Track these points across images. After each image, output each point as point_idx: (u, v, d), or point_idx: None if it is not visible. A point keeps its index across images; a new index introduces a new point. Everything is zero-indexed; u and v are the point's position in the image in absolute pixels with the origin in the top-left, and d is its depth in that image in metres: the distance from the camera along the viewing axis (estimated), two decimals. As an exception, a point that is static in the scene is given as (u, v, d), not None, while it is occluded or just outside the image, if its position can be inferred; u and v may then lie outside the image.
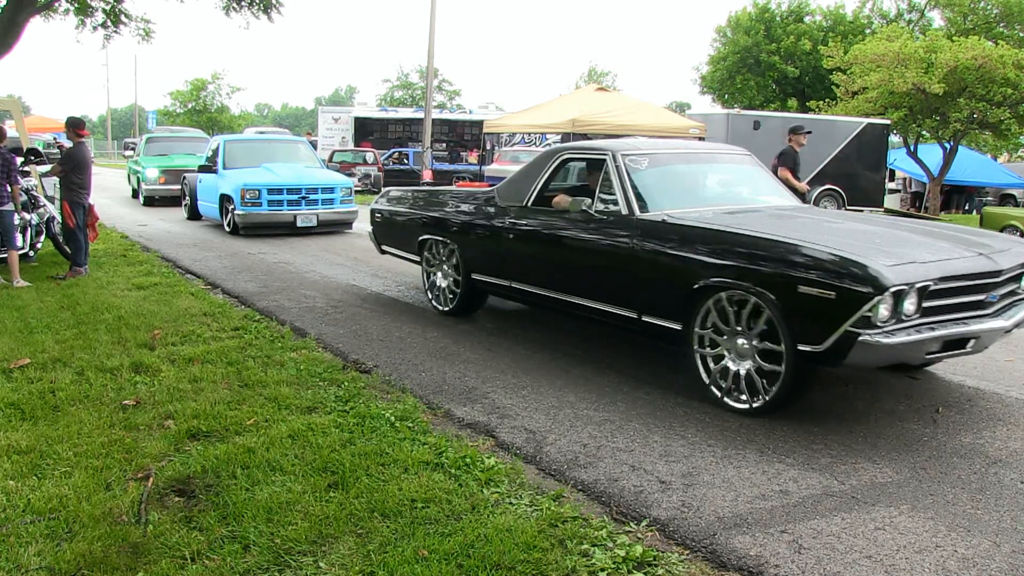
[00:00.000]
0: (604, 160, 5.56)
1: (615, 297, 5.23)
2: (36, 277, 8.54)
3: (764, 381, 4.45)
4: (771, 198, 5.97)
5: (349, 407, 4.55)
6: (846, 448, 4.12)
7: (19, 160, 8.88)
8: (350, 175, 18.03)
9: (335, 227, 13.59)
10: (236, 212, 12.69)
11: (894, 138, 24.35)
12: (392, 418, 4.34)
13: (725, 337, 4.63)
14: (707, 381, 4.74)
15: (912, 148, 22.96)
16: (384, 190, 8.24)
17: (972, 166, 23.89)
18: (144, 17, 14.48)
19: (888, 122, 21.12)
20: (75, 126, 8.89)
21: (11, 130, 12.38)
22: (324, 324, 6.80)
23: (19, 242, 8.51)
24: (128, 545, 3.00)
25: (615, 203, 5.33)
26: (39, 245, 9.78)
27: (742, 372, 4.57)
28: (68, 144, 9.25)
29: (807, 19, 38.33)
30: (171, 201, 17.53)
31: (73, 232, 8.71)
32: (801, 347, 4.17)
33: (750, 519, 3.34)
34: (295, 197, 12.93)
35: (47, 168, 10.17)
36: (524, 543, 3.04)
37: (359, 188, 20.58)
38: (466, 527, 3.16)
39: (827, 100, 25.90)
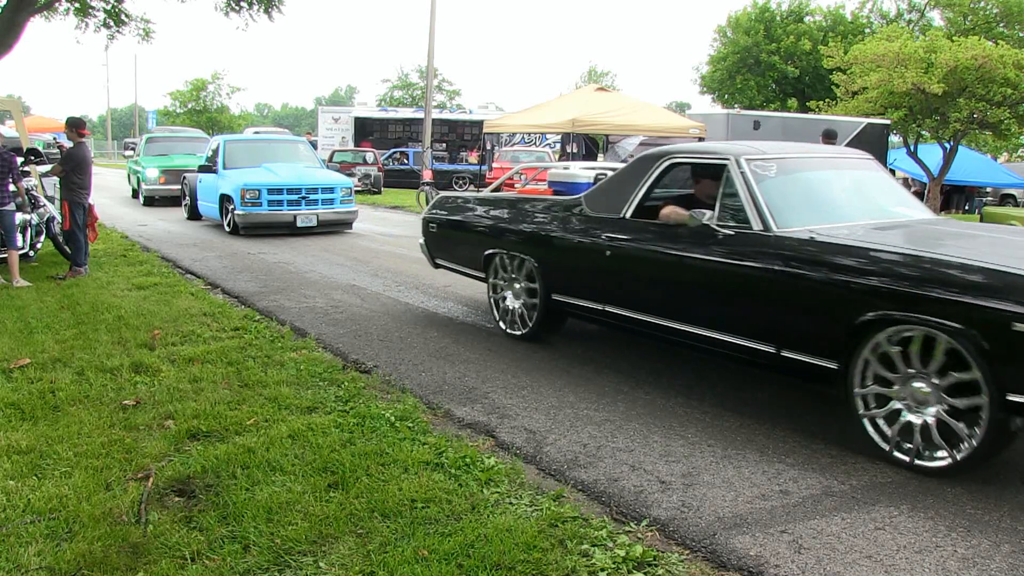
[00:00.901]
0: (724, 166, 4.74)
1: (746, 328, 4.44)
2: (36, 277, 8.54)
3: (961, 425, 3.66)
4: (909, 209, 5.14)
5: (349, 407, 4.55)
6: (846, 448, 4.12)
7: (19, 160, 8.87)
8: (350, 175, 18.04)
9: (335, 227, 13.59)
10: (236, 212, 12.70)
11: (894, 138, 24.36)
12: (392, 418, 4.34)
13: (897, 382, 3.85)
14: (876, 436, 3.95)
15: (912, 148, 22.95)
16: (439, 196, 7.40)
17: (972, 166, 23.89)
18: (144, 17, 14.47)
19: (888, 122, 21.11)
20: (75, 126, 8.89)
21: (11, 130, 12.40)
22: (324, 324, 6.80)
23: (19, 242, 8.51)
24: (128, 545, 3.00)
25: (742, 216, 4.52)
26: (39, 245, 9.79)
27: (927, 422, 3.76)
28: (68, 144, 9.26)
29: (807, 19, 38.35)
30: (171, 201, 17.54)
31: (73, 232, 8.71)
32: (1013, 397, 3.44)
33: (750, 519, 3.34)
34: (295, 197, 12.94)
35: (47, 168, 10.17)
36: (524, 543, 3.04)
37: (359, 188, 20.58)
38: (466, 527, 3.16)
39: (827, 100, 25.88)
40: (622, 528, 3.27)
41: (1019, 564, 3.00)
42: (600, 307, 5.40)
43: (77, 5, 12.42)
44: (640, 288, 5.19)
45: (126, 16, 12.98)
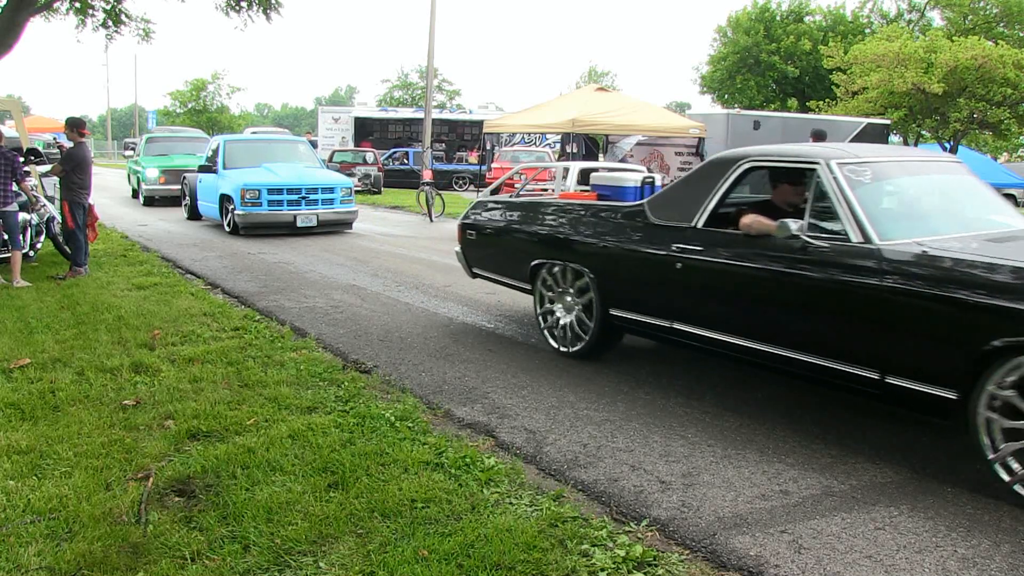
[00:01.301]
0: (812, 170, 4.31)
1: (844, 351, 4.01)
2: (36, 277, 8.54)
3: None
4: (1009, 218, 4.68)
5: (349, 407, 4.55)
6: (846, 448, 4.12)
7: (20, 160, 8.87)
8: (350, 175, 18.04)
9: (335, 227, 13.59)
10: (236, 212, 12.70)
11: (894, 138, 24.35)
12: (392, 418, 4.34)
13: None
14: (1006, 476, 3.50)
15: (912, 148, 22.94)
16: (478, 200, 6.92)
17: (972, 166, 23.81)
18: (144, 17, 14.48)
19: (888, 122, 21.13)
20: (75, 126, 8.90)
21: (11, 130, 12.39)
22: (324, 324, 6.80)
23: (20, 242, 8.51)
24: (128, 545, 3.00)
25: (837, 227, 4.10)
26: (39, 245, 9.79)
27: None
28: (68, 144, 9.26)
29: (807, 19, 38.35)
30: (171, 201, 17.54)
31: (73, 232, 8.71)
32: None
33: (750, 519, 3.34)
34: (295, 197, 12.94)
35: (47, 168, 10.17)
36: (524, 543, 3.04)
37: (359, 188, 20.59)
38: (466, 527, 3.16)
39: (827, 100, 25.91)
40: (622, 528, 3.27)
41: (1019, 564, 3.01)
42: (667, 324, 4.91)
43: (77, 5, 12.42)
44: (717, 305, 4.71)
45: (126, 16, 12.98)
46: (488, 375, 5.37)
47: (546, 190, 13.39)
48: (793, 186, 4.73)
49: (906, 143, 23.56)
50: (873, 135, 20.21)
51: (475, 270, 6.81)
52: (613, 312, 5.36)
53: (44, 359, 5.38)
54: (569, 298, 5.75)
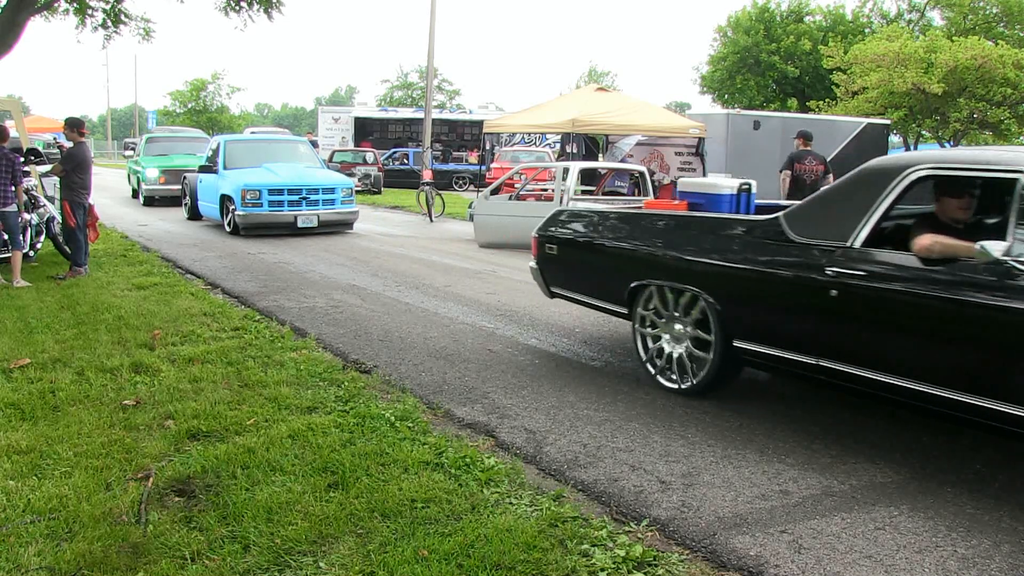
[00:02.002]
0: (1012, 181, 3.56)
1: None
2: (36, 277, 8.54)
3: None
4: None
5: (349, 407, 4.55)
6: (846, 448, 4.12)
7: (20, 160, 8.87)
8: (350, 175, 18.04)
9: (336, 227, 13.58)
10: (237, 212, 12.70)
11: (894, 138, 24.36)
12: (392, 418, 4.34)
13: None
14: None
15: (912, 148, 22.96)
16: (558, 209, 6.15)
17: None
18: (144, 17, 14.49)
19: (888, 122, 21.14)
20: (75, 126, 8.91)
21: (11, 130, 12.38)
22: (324, 324, 6.80)
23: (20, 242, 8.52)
24: (128, 545, 3.00)
25: None
26: (39, 245, 9.79)
27: None
28: (68, 144, 9.26)
29: (807, 19, 38.35)
30: (171, 201, 17.54)
31: (73, 232, 8.72)
32: None
33: (750, 519, 3.34)
34: (295, 197, 12.93)
35: (47, 168, 10.17)
36: (524, 543, 3.04)
37: (359, 188, 20.58)
38: (466, 527, 3.16)
39: (827, 100, 25.92)
40: (622, 528, 3.27)
41: (1019, 564, 3.01)
42: (811, 361, 4.14)
43: (76, 5, 12.42)
44: (886, 342, 3.92)
45: (125, 16, 12.99)
46: (488, 375, 5.37)
47: (546, 190, 13.43)
48: (967, 199, 4.07)
49: (906, 143, 23.58)
50: (873, 135, 20.22)
51: (554, 289, 6.03)
52: (738, 344, 4.56)
53: (44, 359, 5.38)
54: (679, 326, 4.95)
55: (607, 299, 5.53)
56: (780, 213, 4.47)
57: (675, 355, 4.99)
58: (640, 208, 6.16)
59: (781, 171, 10.65)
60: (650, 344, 5.18)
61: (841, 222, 4.14)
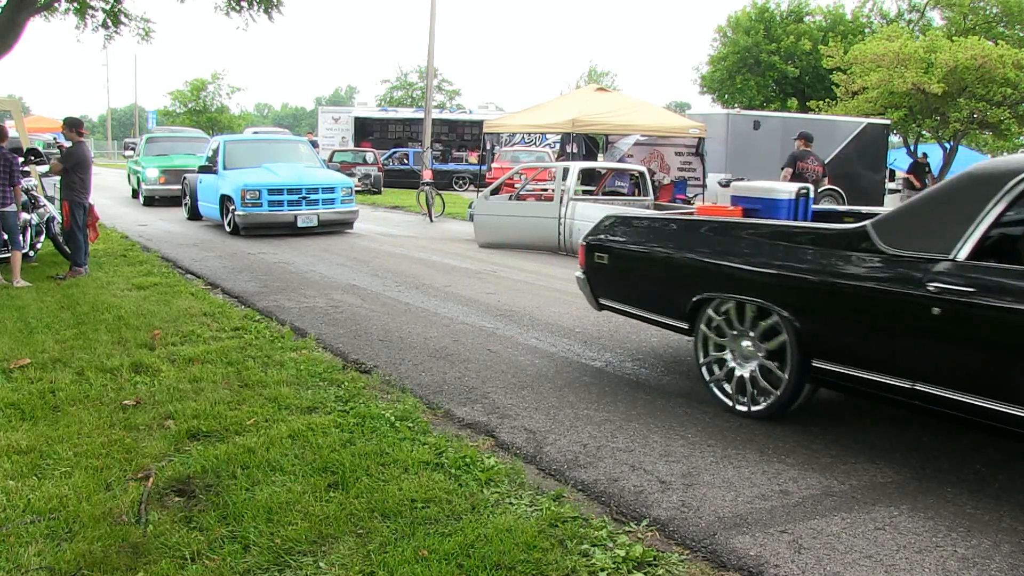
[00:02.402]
0: None
1: None
2: (36, 277, 8.54)
3: None
4: None
5: (349, 407, 4.55)
6: (846, 448, 4.12)
7: (19, 160, 8.87)
8: (350, 175, 18.04)
9: (336, 227, 13.57)
10: (237, 212, 12.68)
11: (894, 138, 24.36)
12: (392, 418, 4.34)
13: None
14: None
15: (912, 148, 22.97)
16: (607, 215, 5.71)
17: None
18: (144, 17, 14.47)
19: (888, 122, 21.13)
20: (74, 126, 8.92)
21: (11, 130, 12.38)
22: (324, 324, 6.80)
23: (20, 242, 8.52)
24: (128, 545, 3.00)
25: None
26: (39, 245, 9.79)
27: None
28: (68, 144, 9.26)
29: (807, 19, 38.35)
30: (171, 201, 17.54)
31: (73, 232, 8.72)
32: None
33: (750, 519, 3.34)
34: (295, 197, 12.91)
35: (47, 168, 10.17)
36: (524, 543, 3.04)
37: (359, 188, 20.58)
38: (466, 527, 3.16)
39: (827, 100, 25.92)
40: (622, 528, 3.27)
41: (1019, 564, 3.01)
42: (906, 385, 3.79)
43: (76, 5, 12.42)
44: (999, 365, 3.57)
45: (125, 16, 12.99)
46: (488, 375, 5.37)
47: (546, 190, 13.43)
48: None
49: (906, 143, 23.58)
50: (873, 135, 20.22)
51: (603, 301, 5.63)
52: (818, 364, 4.19)
53: (44, 359, 5.38)
54: (748, 343, 4.59)
55: (664, 313, 5.12)
56: (868, 222, 4.07)
57: (743, 375, 4.60)
58: (693, 214, 5.78)
59: (783, 168, 10.75)
60: (713, 363, 4.80)
61: (942, 233, 3.77)
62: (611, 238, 5.49)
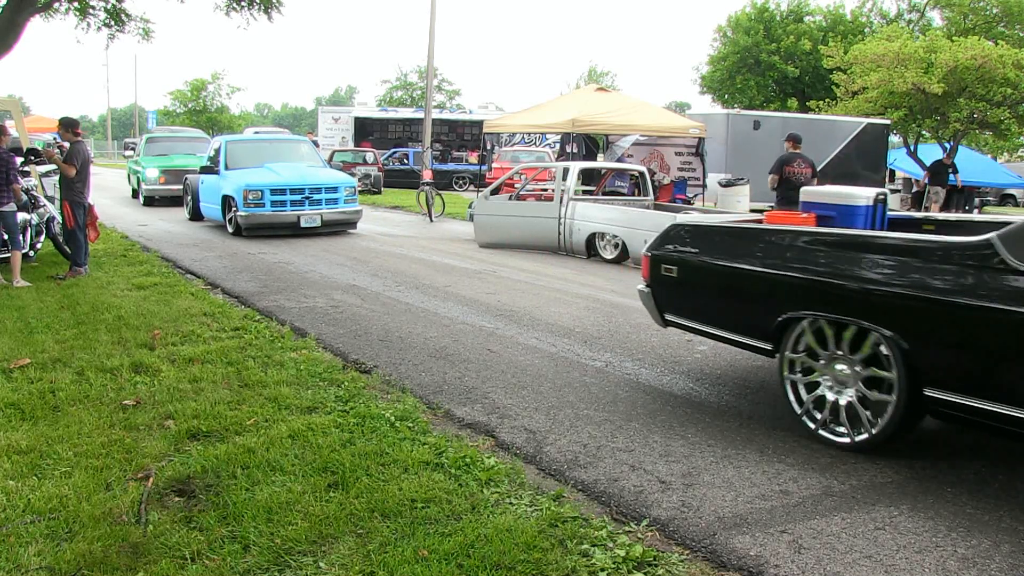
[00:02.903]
0: None
1: None
2: (36, 277, 8.54)
3: None
4: None
5: (349, 407, 4.55)
6: (846, 448, 4.11)
7: (19, 160, 8.87)
8: (350, 175, 18.02)
9: (339, 227, 13.47)
10: (239, 213, 12.60)
11: (894, 138, 24.36)
12: (392, 418, 4.34)
13: None
14: None
15: (912, 148, 22.96)
16: (675, 223, 5.25)
17: (972, 166, 23.94)
18: (144, 16, 14.46)
19: (888, 122, 21.13)
20: (71, 126, 8.92)
21: (11, 131, 12.39)
22: (324, 324, 6.80)
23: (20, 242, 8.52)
24: (128, 545, 3.00)
25: None
26: (39, 245, 9.79)
27: None
28: (66, 145, 9.25)
29: (807, 19, 38.34)
30: (171, 201, 17.54)
31: (73, 232, 8.72)
32: None
33: (750, 519, 3.34)
34: (298, 197, 12.81)
35: (47, 168, 10.16)
36: (524, 543, 3.04)
37: (359, 188, 20.56)
38: (466, 527, 3.16)
39: (827, 100, 25.91)
40: (622, 528, 3.27)
41: (1019, 564, 3.01)
42: None
43: (77, 5, 12.43)
44: None
45: (126, 16, 12.98)
46: (488, 375, 5.37)
47: (546, 190, 13.43)
48: None
49: (906, 143, 23.56)
50: (873, 135, 20.22)
51: (669, 317, 5.15)
52: (931, 393, 3.75)
53: (44, 359, 5.38)
54: (844, 366, 4.13)
55: (744, 332, 4.67)
56: (992, 234, 3.61)
57: (840, 402, 4.14)
58: (762, 222, 5.37)
59: (770, 174, 10.76)
60: (803, 390, 4.33)
61: None
62: (681, 249, 5.01)
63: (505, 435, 4.26)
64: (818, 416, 4.23)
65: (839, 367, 4.16)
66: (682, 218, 6.12)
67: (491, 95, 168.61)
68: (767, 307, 4.42)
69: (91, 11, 12.64)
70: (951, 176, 19.33)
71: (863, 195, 5.36)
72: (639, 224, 10.50)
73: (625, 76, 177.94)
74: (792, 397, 4.38)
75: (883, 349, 3.89)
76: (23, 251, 8.73)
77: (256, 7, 12.66)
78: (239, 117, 55.58)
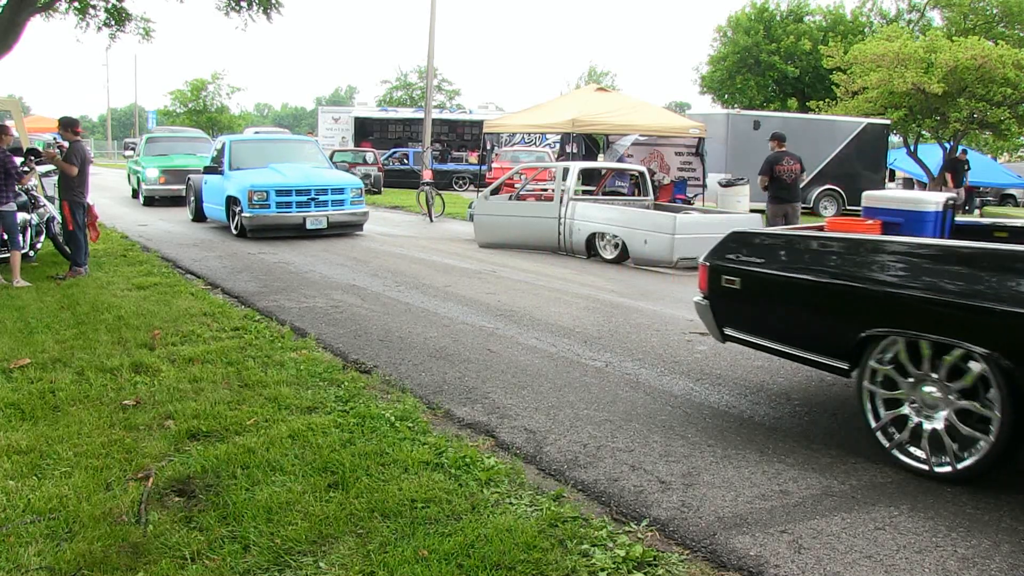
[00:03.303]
0: None
1: None
2: (36, 277, 8.54)
3: None
4: None
5: (349, 407, 4.55)
6: (846, 448, 4.12)
7: (19, 160, 8.87)
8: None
9: (345, 229, 13.22)
10: (244, 214, 12.41)
11: (894, 138, 24.36)
12: (392, 418, 4.34)
13: None
14: None
15: (912, 148, 22.96)
16: (733, 232, 4.87)
17: (972, 166, 23.95)
18: (144, 16, 14.46)
19: (888, 122, 21.13)
20: (70, 125, 8.93)
21: (12, 131, 12.39)
22: (324, 324, 6.80)
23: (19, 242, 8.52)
24: (128, 545, 3.00)
25: None
26: (39, 245, 9.79)
27: None
28: (67, 144, 9.26)
29: (807, 19, 38.33)
30: (171, 201, 17.54)
31: (73, 232, 8.72)
32: None
33: (750, 519, 3.34)
34: (304, 198, 12.60)
35: (47, 168, 10.16)
36: (524, 543, 3.04)
37: (359, 188, 20.53)
38: (466, 527, 3.16)
39: (827, 100, 25.90)
40: (622, 528, 3.27)
41: (1019, 564, 3.01)
42: None
43: (77, 4, 12.43)
44: None
45: (126, 15, 12.98)
46: (488, 375, 5.37)
47: (546, 190, 13.43)
48: None
49: (906, 143, 23.56)
50: (873, 135, 20.22)
51: (730, 332, 4.79)
52: None
53: (44, 359, 5.38)
54: (934, 389, 3.79)
55: (816, 349, 4.31)
56: None
57: (925, 427, 3.81)
58: (825, 230, 5.06)
59: (760, 175, 10.88)
60: (881, 409, 4.01)
61: None
62: (744, 258, 4.63)
63: (505, 435, 4.26)
64: (895, 435, 3.92)
65: (928, 389, 3.82)
66: (743, 225, 5.69)
67: (491, 95, 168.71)
68: (844, 323, 4.09)
69: (91, 11, 12.65)
70: (964, 176, 19.33)
71: (932, 200, 5.05)
72: (639, 224, 10.50)
73: (625, 76, 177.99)
74: (869, 409, 4.05)
75: (985, 372, 3.54)
76: (23, 251, 8.74)
77: (256, 7, 12.66)
78: (239, 117, 55.57)
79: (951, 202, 4.98)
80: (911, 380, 3.87)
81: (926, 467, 3.77)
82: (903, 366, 3.89)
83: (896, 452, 3.90)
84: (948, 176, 19.35)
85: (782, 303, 4.53)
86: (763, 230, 5.02)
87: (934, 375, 3.77)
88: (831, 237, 4.46)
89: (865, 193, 5.68)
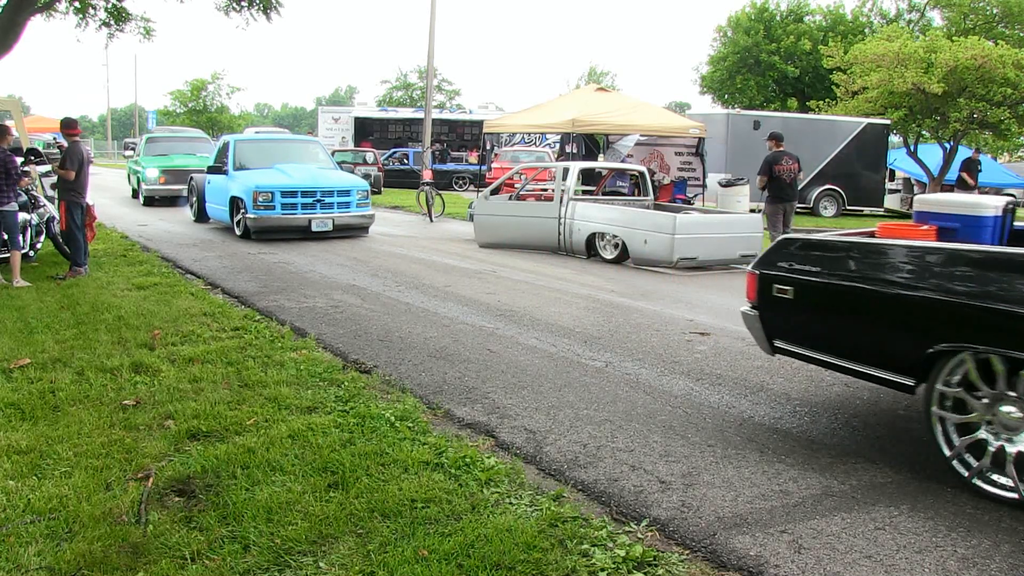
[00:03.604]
0: None
1: None
2: (36, 277, 8.54)
3: None
4: None
5: (349, 407, 4.55)
6: (846, 448, 4.12)
7: (19, 160, 8.88)
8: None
9: (351, 231, 13.06)
10: (248, 215, 12.25)
11: (894, 138, 24.35)
12: (392, 418, 4.34)
13: None
14: None
15: (912, 148, 22.95)
16: (785, 238, 4.63)
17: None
18: (144, 16, 14.45)
19: (888, 122, 21.13)
20: (70, 125, 8.96)
21: (13, 131, 12.39)
22: (324, 324, 6.80)
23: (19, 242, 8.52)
24: (128, 545, 3.00)
25: None
26: (39, 245, 9.79)
27: None
28: (66, 144, 9.27)
29: (807, 19, 38.33)
30: (171, 201, 17.53)
31: (72, 232, 8.72)
32: None
33: (750, 519, 3.34)
34: (310, 200, 12.45)
35: (47, 168, 10.16)
36: (524, 543, 3.04)
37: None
38: (466, 527, 3.16)
39: (827, 100, 25.90)
40: (622, 528, 3.27)
41: (1019, 564, 3.01)
42: None
43: (77, 4, 12.43)
44: None
45: (126, 15, 12.98)
46: (488, 375, 5.37)
47: (546, 190, 13.43)
48: None
49: (906, 143, 23.55)
50: (873, 135, 20.22)
51: (780, 344, 4.52)
52: None
53: (44, 359, 5.38)
54: (1013, 408, 3.52)
55: (878, 364, 4.03)
56: None
57: (1009, 450, 3.53)
58: (874, 235, 4.81)
59: (759, 175, 10.95)
60: (954, 436, 3.75)
61: None
62: (798, 267, 4.35)
63: (505, 435, 4.26)
64: (973, 463, 3.64)
65: (1006, 409, 3.54)
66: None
67: (491, 95, 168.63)
68: (911, 338, 3.83)
69: (91, 10, 12.64)
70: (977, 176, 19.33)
71: (991, 204, 4.76)
72: (639, 224, 10.50)
73: (625, 76, 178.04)
74: (941, 437, 3.76)
75: None
76: (23, 251, 8.74)
77: (255, 7, 12.64)
78: (239, 117, 55.53)
79: (1011, 206, 4.75)
80: (986, 401, 3.61)
81: (1016, 495, 3.47)
82: (974, 385, 3.63)
83: (978, 481, 3.62)
84: (966, 176, 19.31)
85: (840, 314, 4.23)
86: (818, 238, 4.61)
87: (1011, 393, 3.51)
88: (895, 244, 4.19)
89: (918, 197, 5.45)
